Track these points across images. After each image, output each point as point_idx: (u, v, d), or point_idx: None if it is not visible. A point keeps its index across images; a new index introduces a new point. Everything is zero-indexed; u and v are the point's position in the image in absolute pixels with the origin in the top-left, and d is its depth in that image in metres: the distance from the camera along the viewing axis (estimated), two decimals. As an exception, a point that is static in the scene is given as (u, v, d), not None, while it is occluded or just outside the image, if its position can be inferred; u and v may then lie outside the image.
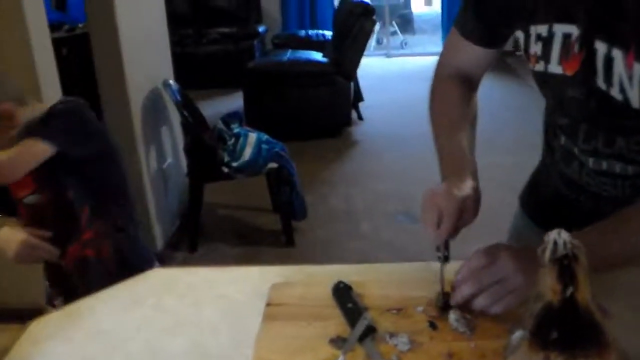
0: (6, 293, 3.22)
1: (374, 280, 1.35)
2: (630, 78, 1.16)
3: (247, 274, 1.43)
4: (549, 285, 0.95)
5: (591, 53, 1.21)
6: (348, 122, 6.59)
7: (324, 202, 4.96)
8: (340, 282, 1.27)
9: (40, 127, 1.92)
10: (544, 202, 1.62)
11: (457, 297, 1.17)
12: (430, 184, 1.32)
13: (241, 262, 4.08)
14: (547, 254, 0.97)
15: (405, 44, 11.78)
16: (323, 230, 4.52)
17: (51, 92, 3.04)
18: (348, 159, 5.99)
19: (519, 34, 1.38)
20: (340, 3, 7.11)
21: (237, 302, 1.32)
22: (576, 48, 1.24)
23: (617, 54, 1.16)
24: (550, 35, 1.28)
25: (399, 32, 12.16)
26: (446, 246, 1.24)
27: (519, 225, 1.72)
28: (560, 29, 1.26)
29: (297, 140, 5.57)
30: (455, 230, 1.24)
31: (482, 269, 1.15)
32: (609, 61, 1.18)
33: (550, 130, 1.52)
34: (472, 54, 1.55)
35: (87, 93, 4.06)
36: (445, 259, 1.23)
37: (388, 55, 10.64)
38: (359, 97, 6.89)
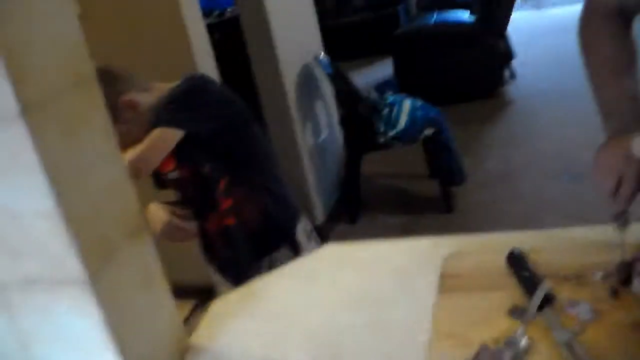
0: (177, 270, 3.37)
1: (548, 246, 1.32)
2: None
3: (419, 246, 1.44)
4: None
5: None
6: (501, 81, 6.43)
7: (482, 165, 4.88)
8: (514, 250, 1.26)
9: (164, 114, 1.93)
10: None
11: None
12: (591, 143, 1.25)
13: (402, 231, 4.11)
14: None
15: (556, -6, 11.31)
16: (482, 194, 4.45)
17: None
18: (503, 120, 5.86)
19: None
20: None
21: (411, 274, 1.33)
22: None
23: None
24: None
25: (547, -18, 11.69)
26: (625, 212, 1.19)
27: None
28: None
29: (450, 103, 5.49)
30: (635, 194, 1.18)
31: None
32: None
33: None
34: None
35: (241, 75, 4.21)
36: (625, 225, 1.18)
37: (538, 7, 10.25)
38: (510, 54, 6.69)
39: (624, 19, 1.45)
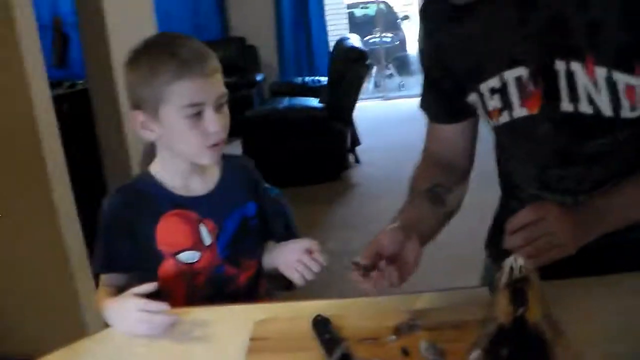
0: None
1: (351, 312, 1.43)
2: (595, 84, 1.23)
3: (233, 312, 1.51)
4: (502, 309, 1.03)
5: (552, 78, 1.28)
6: (345, 165, 6.68)
7: (323, 245, 4.95)
8: (318, 316, 1.35)
9: None
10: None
11: (509, 244, 1.19)
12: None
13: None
14: (504, 278, 1.06)
15: (403, 85, 11.86)
16: (322, 274, 4.54)
17: (52, 147, 3.13)
18: (346, 203, 6.04)
19: (474, 98, 1.43)
20: (334, 49, 7.23)
21: (224, 340, 1.39)
22: (531, 86, 1.32)
23: (576, 66, 1.24)
24: (503, 83, 1.34)
25: (395, 74, 12.28)
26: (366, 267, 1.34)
27: (491, 277, 1.72)
28: (510, 74, 1.33)
29: (295, 185, 5.62)
30: (400, 279, 1.32)
31: (534, 223, 1.19)
32: (570, 77, 1.26)
33: (515, 182, 1.55)
34: (446, 135, 1.59)
35: (88, 148, 4.19)
36: (365, 269, 1.34)
37: (385, 98, 10.76)
38: (356, 140, 6.97)
39: (452, 167, 1.61)
